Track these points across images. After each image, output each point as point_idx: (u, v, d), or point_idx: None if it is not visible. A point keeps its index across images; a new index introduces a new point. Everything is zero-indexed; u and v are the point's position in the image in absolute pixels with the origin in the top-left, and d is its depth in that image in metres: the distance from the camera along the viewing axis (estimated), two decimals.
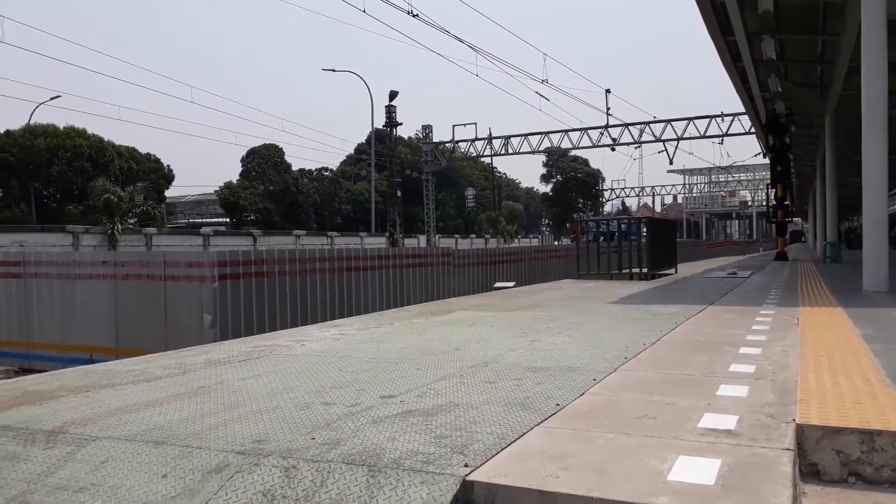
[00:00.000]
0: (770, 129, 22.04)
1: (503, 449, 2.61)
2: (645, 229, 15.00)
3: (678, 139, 39.64)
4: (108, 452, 2.77)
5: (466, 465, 2.41)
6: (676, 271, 15.75)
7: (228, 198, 61.32)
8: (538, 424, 2.95)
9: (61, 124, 48.86)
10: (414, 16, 24.87)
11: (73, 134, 48.29)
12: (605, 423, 2.97)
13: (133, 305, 11.13)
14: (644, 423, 2.94)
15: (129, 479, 2.53)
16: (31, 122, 46.94)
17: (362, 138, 73.60)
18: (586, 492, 2.18)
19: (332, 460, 2.51)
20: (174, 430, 2.99)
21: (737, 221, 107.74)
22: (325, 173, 70.90)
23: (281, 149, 64.24)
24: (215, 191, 65.73)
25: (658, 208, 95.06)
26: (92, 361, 6.93)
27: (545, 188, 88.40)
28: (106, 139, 50.76)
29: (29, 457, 2.81)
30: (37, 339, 12.35)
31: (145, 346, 8.90)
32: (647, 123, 40.37)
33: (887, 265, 9.45)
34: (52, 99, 47.04)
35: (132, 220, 35.95)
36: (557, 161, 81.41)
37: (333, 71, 48.55)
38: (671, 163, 44.28)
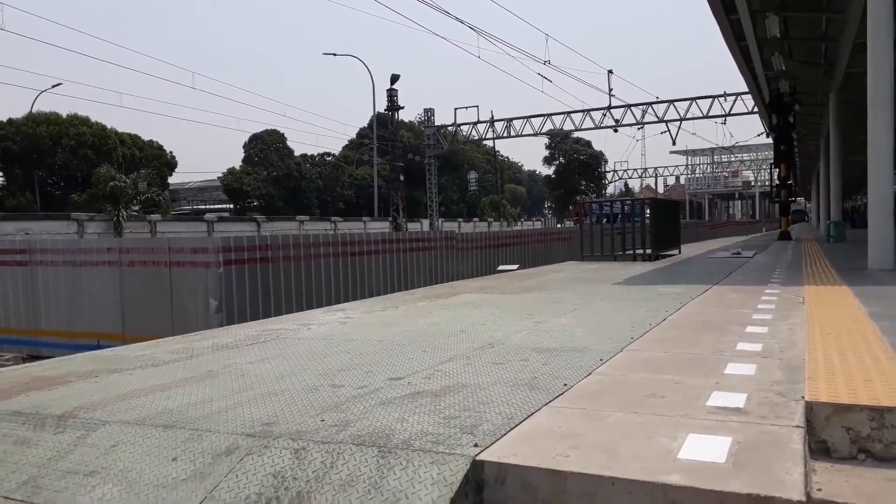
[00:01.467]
0: (773, 108, 21.91)
1: (512, 429, 2.61)
2: (648, 210, 14.95)
3: (681, 120, 39.49)
4: (118, 436, 2.78)
5: (476, 445, 2.41)
6: (680, 252, 15.73)
7: (232, 184, 61.24)
8: (546, 404, 2.95)
9: (64, 112, 48.79)
10: None
11: (76, 122, 48.18)
12: (613, 402, 2.97)
13: (139, 292, 11.14)
14: (653, 402, 2.94)
15: (139, 463, 2.55)
16: (34, 109, 46.92)
17: (364, 123, 73.46)
18: (597, 471, 2.18)
19: (342, 441, 2.51)
20: (183, 414, 3.00)
21: (740, 202, 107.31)
22: (328, 158, 70.74)
23: (283, 134, 64.13)
24: (218, 177, 65.63)
25: (661, 189, 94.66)
26: (99, 347, 6.94)
27: (548, 171, 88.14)
28: (109, 126, 50.66)
29: (39, 441, 2.83)
30: (44, 327, 12.39)
31: (152, 332, 8.90)
32: (650, 104, 40.18)
33: (893, 243, 9.40)
34: (53, 87, 47.24)
35: (136, 208, 35.96)
36: (560, 143, 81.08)
37: (334, 55, 48.38)
38: (674, 143, 43.91)
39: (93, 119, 49.59)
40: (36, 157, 45.61)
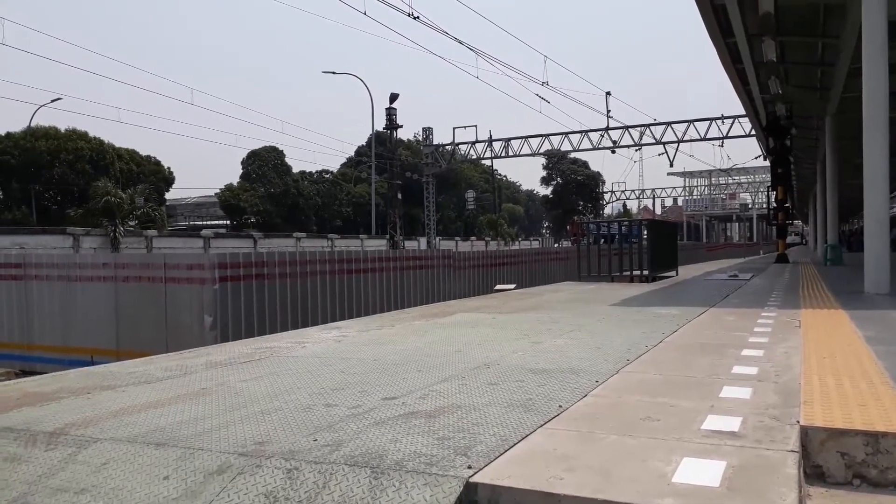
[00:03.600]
0: (770, 131, 22.05)
1: (506, 451, 2.60)
2: (646, 232, 14.98)
3: (678, 141, 39.64)
4: (110, 454, 2.76)
5: (470, 467, 2.40)
6: (677, 273, 15.74)
7: (229, 200, 61.30)
8: (541, 426, 2.94)
9: (62, 126, 48.88)
10: (414, 18, 24.88)
11: (75, 136, 48.26)
12: (608, 424, 2.95)
13: (134, 307, 11.11)
14: (647, 425, 2.93)
15: (130, 481, 2.52)
16: (32, 124, 47.00)
17: (363, 140, 73.65)
18: (591, 493, 2.16)
19: (335, 462, 2.50)
20: (175, 432, 2.98)
21: (737, 224, 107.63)
22: (326, 175, 70.85)
23: (281, 151, 64.24)
24: (216, 193, 65.69)
25: (658, 210, 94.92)
26: (92, 363, 6.91)
27: (545, 191, 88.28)
28: (106, 141, 50.76)
29: (30, 458, 2.80)
30: (37, 342, 12.33)
31: (146, 348, 8.88)
32: (648, 126, 40.39)
33: (889, 267, 9.43)
34: (52, 101, 47.22)
35: (133, 223, 35.90)
36: (557, 163, 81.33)
37: (334, 73, 48.81)
38: (671, 165, 44.15)
39: (91, 134, 49.72)
40: (33, 172, 45.62)
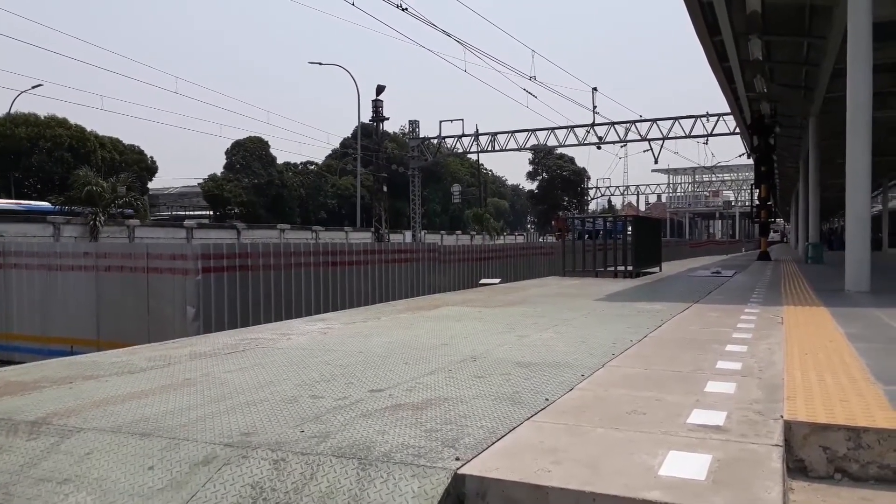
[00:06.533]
0: (755, 129, 22.22)
1: (494, 443, 2.60)
2: (630, 228, 15.06)
3: (663, 138, 39.87)
4: (93, 444, 2.73)
5: (458, 459, 2.40)
6: (661, 270, 15.84)
7: (212, 190, 60.77)
8: (528, 419, 2.95)
9: (42, 113, 48.26)
10: (403, 9, 24.78)
11: (54, 123, 47.67)
12: (595, 418, 2.97)
13: (115, 297, 11.00)
14: (634, 419, 2.94)
15: (114, 471, 2.50)
16: (12, 110, 46.36)
17: (348, 132, 73.19)
18: (578, 486, 2.18)
19: (322, 453, 2.49)
20: (160, 422, 2.95)
21: (720, 221, 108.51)
22: (311, 167, 70.45)
23: (266, 142, 63.78)
24: (199, 183, 65.14)
25: (642, 207, 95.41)
26: (73, 353, 6.83)
27: (531, 185, 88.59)
28: (88, 129, 50.17)
29: (11, 448, 2.77)
30: (16, 331, 12.19)
31: (127, 339, 8.80)
32: (633, 122, 40.57)
33: (869, 266, 9.55)
34: (33, 87, 46.62)
35: (116, 211, 35.48)
36: (543, 159, 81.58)
37: (320, 64, 48.54)
38: (656, 162, 44.29)
39: (74, 121, 49.13)
40: (13, 159, 45.04)
